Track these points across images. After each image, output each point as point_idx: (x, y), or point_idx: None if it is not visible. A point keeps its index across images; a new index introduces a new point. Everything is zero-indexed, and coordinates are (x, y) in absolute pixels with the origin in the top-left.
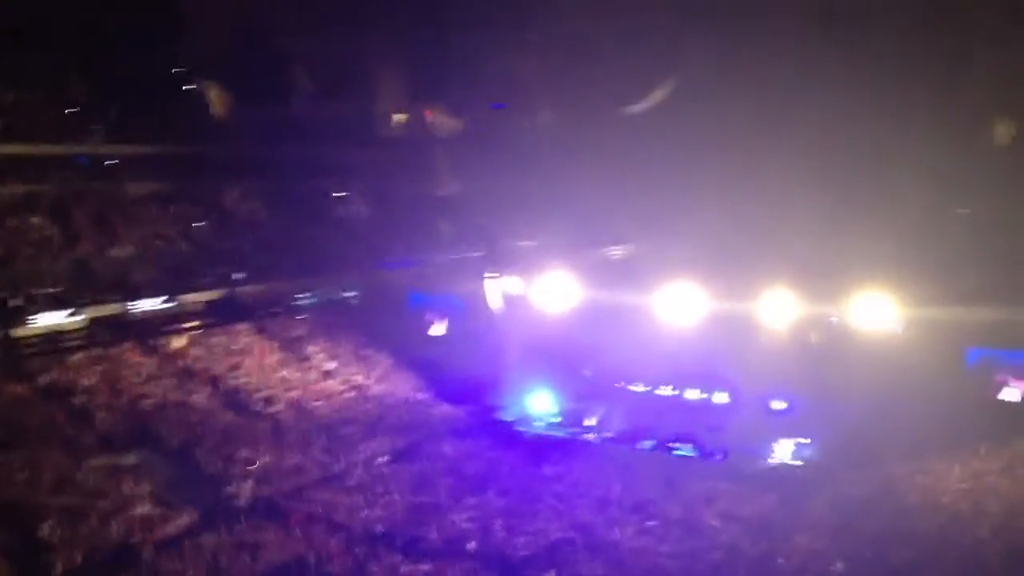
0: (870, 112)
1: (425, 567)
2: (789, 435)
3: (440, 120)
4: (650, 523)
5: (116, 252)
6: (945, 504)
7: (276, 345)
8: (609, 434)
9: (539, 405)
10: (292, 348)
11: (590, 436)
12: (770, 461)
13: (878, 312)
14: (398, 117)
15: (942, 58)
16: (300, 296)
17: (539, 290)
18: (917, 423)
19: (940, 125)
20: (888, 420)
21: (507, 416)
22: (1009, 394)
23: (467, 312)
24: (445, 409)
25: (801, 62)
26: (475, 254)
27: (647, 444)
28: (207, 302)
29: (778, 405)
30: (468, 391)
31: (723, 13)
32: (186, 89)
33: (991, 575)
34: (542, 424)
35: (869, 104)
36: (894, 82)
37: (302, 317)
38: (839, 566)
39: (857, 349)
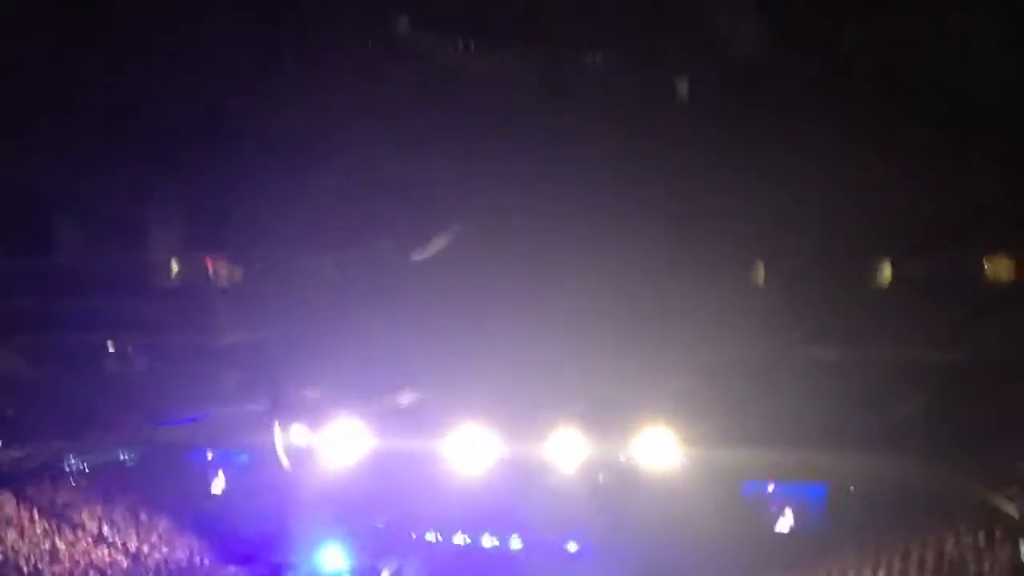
0: (647, 250)
1: None
2: None
3: (221, 267)
4: None
5: None
6: None
7: (44, 515)
8: None
9: (330, 561)
10: (61, 516)
11: None
12: None
13: (662, 449)
14: (176, 265)
15: (710, 199)
16: (70, 459)
17: (326, 440)
18: (703, 560)
19: (707, 265)
20: (676, 559)
21: (293, 571)
22: (781, 525)
23: (252, 467)
24: (230, 572)
25: (579, 197)
26: (259, 406)
27: None
28: None
29: (571, 547)
30: (254, 550)
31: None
32: None
33: None
34: None
35: (645, 241)
36: (662, 229)
37: (73, 482)
38: None
39: (643, 488)
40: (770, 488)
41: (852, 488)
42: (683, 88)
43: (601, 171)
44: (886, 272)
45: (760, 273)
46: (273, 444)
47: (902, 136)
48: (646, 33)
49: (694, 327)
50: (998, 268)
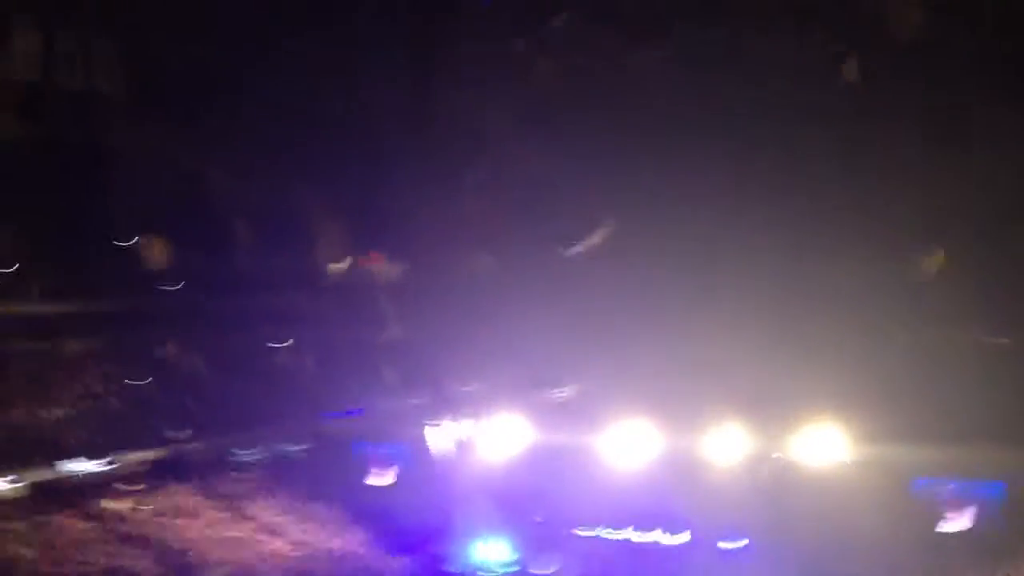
0: (808, 241)
1: None
2: None
3: (381, 266)
4: None
5: (52, 414)
6: None
7: (221, 505)
8: None
9: (490, 554)
10: (238, 507)
11: None
12: None
13: (827, 445)
14: (339, 264)
15: (880, 185)
16: (243, 451)
17: (485, 435)
18: (870, 561)
19: (876, 253)
20: (841, 558)
21: (459, 567)
22: (955, 525)
23: (414, 460)
24: (394, 563)
25: (735, 192)
26: (419, 400)
27: None
28: (147, 462)
29: (733, 545)
30: (418, 542)
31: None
32: (121, 243)
33: None
34: (494, 574)
35: (807, 233)
36: (831, 209)
37: (247, 473)
38: None
39: (806, 485)
40: (944, 487)
41: None
42: (851, 72)
43: (762, 162)
44: None
45: (932, 260)
46: (434, 438)
47: None
48: (801, 23)
49: (862, 318)
50: None
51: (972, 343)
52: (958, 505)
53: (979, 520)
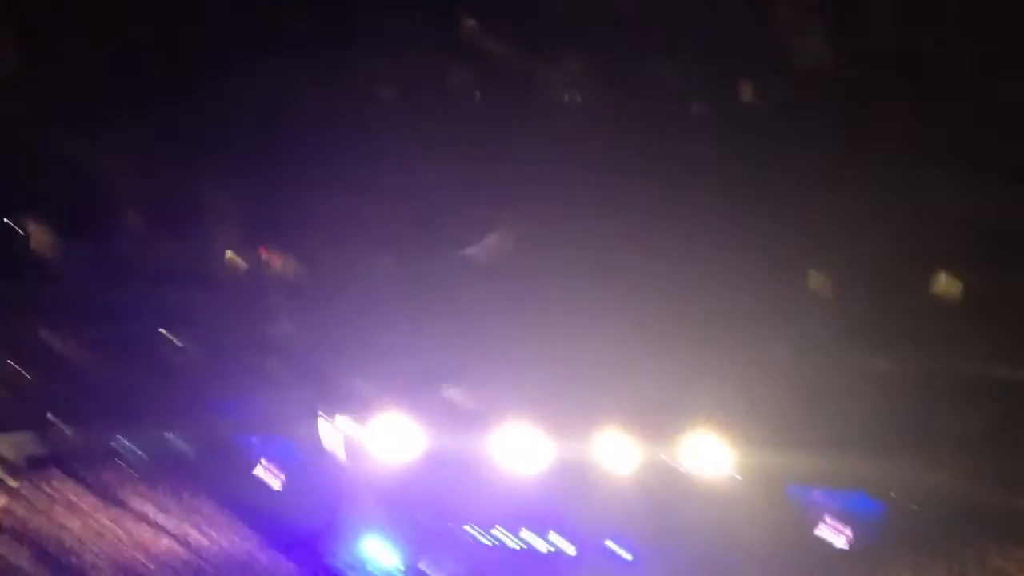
0: (701, 253)
1: None
2: None
3: (274, 259)
4: None
5: None
6: None
7: (104, 499)
8: None
9: (380, 554)
10: (121, 501)
11: None
12: None
13: (711, 454)
14: (231, 255)
15: (765, 203)
16: (128, 444)
17: (375, 433)
18: (754, 569)
19: (766, 270)
20: (727, 567)
21: (346, 567)
22: (837, 538)
23: (303, 457)
24: (277, 560)
25: (632, 198)
26: (308, 395)
27: None
28: (25, 452)
29: (623, 553)
30: (301, 539)
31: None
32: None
33: None
34: (378, 574)
35: (699, 245)
36: (719, 226)
37: (131, 467)
38: None
39: (692, 493)
40: (823, 497)
41: (914, 506)
42: (747, 95)
43: (661, 171)
44: (953, 285)
45: (821, 280)
46: (325, 434)
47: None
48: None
49: (749, 331)
50: None
51: (856, 364)
52: (836, 514)
53: (856, 529)
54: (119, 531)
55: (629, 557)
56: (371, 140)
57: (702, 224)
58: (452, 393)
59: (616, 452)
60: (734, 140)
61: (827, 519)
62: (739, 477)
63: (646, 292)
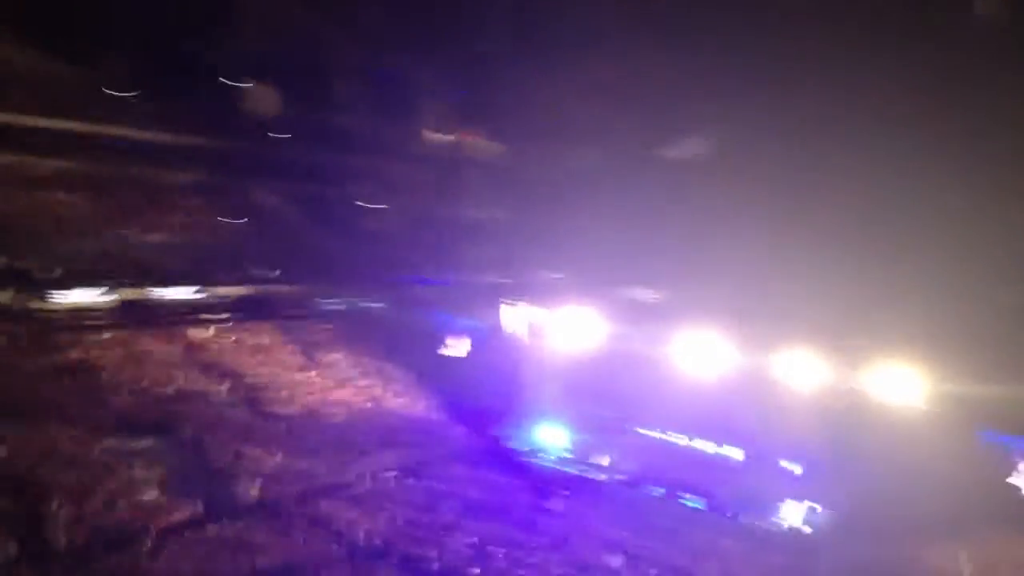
0: (908, 174)
1: None
2: (800, 499)
3: (480, 144)
4: (652, 571)
5: (150, 238)
6: None
7: (298, 347)
8: (619, 476)
9: (551, 439)
10: (313, 352)
11: (600, 475)
12: (779, 523)
13: (901, 384)
14: (439, 136)
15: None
16: (326, 301)
17: (560, 323)
18: (928, 502)
19: (980, 201)
20: (900, 496)
21: (518, 445)
22: (1020, 481)
23: (487, 337)
24: (458, 431)
25: (838, 122)
26: (501, 280)
27: (657, 491)
28: (236, 297)
29: (792, 467)
30: (482, 416)
31: (776, 71)
32: (234, 85)
33: None
34: (552, 457)
35: (907, 165)
36: (932, 148)
37: (326, 322)
38: None
39: (876, 420)
40: (1015, 441)
41: None
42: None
43: (871, 88)
44: None
45: None
46: (511, 319)
47: None
48: None
49: (957, 264)
50: None
51: None
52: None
53: None
54: (306, 378)
55: (799, 471)
56: (581, 37)
57: (922, 145)
58: (640, 293)
59: (801, 370)
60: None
61: (1014, 462)
62: (928, 410)
63: (856, 212)
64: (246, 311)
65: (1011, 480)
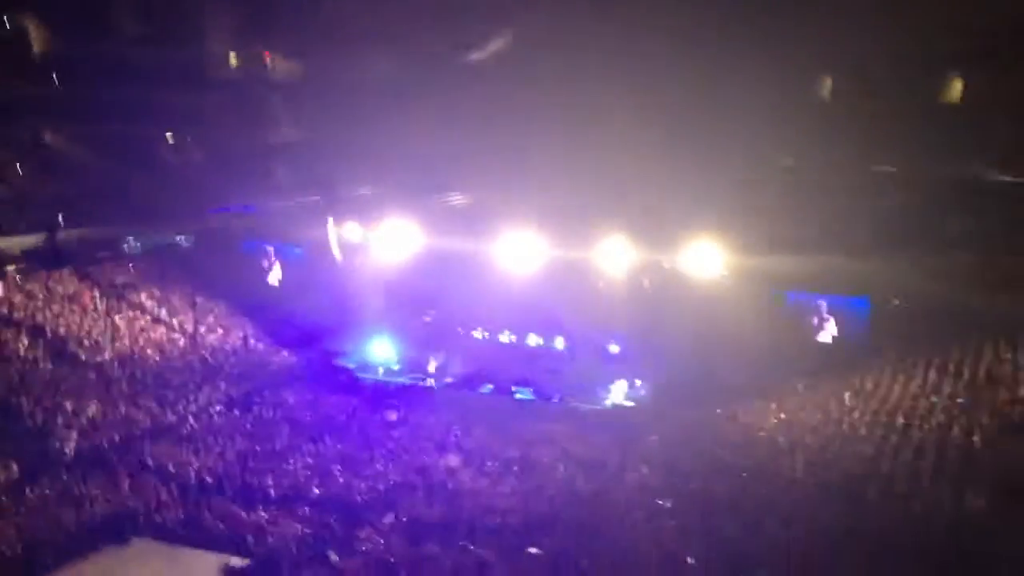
0: (701, 63)
1: (262, 515)
2: (623, 378)
3: (278, 63)
4: (488, 464)
5: None
6: (764, 439)
7: (101, 292)
8: (449, 379)
9: (379, 352)
10: (119, 295)
11: (430, 382)
12: (605, 402)
13: (706, 259)
14: (233, 59)
15: (770, 10)
16: (128, 241)
17: (379, 237)
18: (740, 364)
19: (769, 79)
20: (714, 362)
21: (347, 363)
22: (823, 335)
23: (305, 259)
24: (283, 357)
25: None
26: (313, 200)
27: (487, 388)
28: (26, 248)
29: (613, 348)
30: (307, 338)
31: None
32: (4, 25)
33: (806, 503)
34: (382, 371)
35: (700, 55)
36: (725, 34)
37: (130, 263)
38: (667, 499)
39: (686, 294)
40: (814, 299)
41: (896, 302)
42: None
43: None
44: (952, 88)
45: (823, 85)
46: (327, 238)
47: None
48: None
49: (747, 138)
50: None
51: (854, 168)
52: (826, 316)
53: (844, 330)
54: (117, 322)
55: (616, 350)
56: None
57: (709, 33)
58: (454, 199)
59: (611, 257)
60: None
61: (813, 318)
62: (730, 279)
63: (651, 102)
64: (40, 261)
65: (819, 337)
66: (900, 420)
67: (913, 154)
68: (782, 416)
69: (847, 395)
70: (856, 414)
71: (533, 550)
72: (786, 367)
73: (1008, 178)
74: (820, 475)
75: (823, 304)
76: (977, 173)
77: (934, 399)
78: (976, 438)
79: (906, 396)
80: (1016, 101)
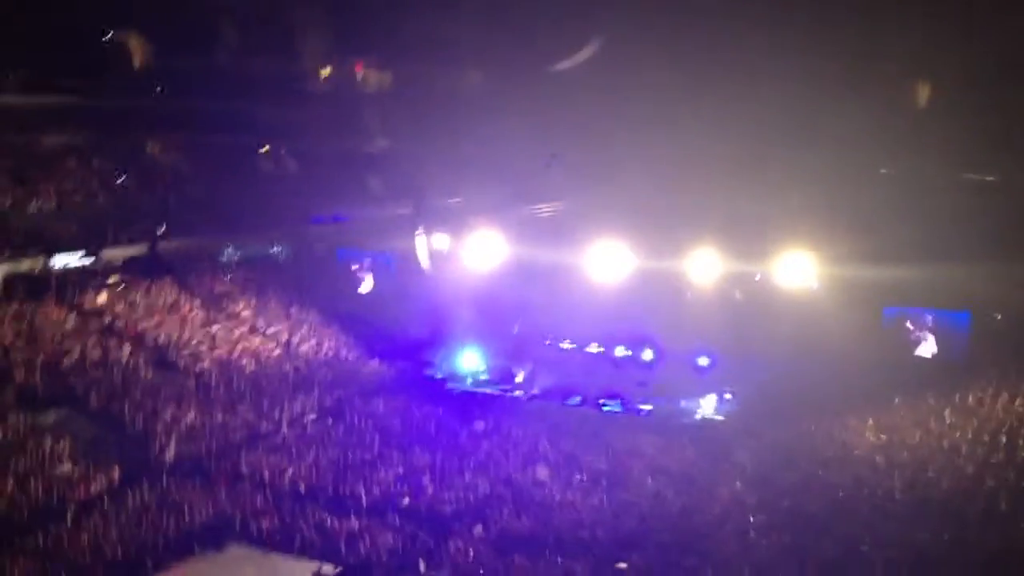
0: (793, 73)
1: (353, 524)
2: (713, 390)
3: (369, 75)
4: (577, 477)
5: (34, 206)
6: (860, 457)
7: (200, 301)
8: (537, 391)
9: (468, 362)
10: (217, 305)
11: (518, 393)
12: (694, 416)
13: (799, 270)
14: (326, 72)
15: (864, 19)
16: (225, 252)
17: (467, 248)
18: (836, 379)
19: (861, 86)
20: (808, 376)
21: (436, 373)
22: (923, 350)
23: (395, 269)
24: (373, 366)
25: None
26: (403, 211)
27: (575, 400)
28: (129, 257)
29: (702, 361)
30: (397, 348)
31: None
32: (108, 39)
33: (902, 524)
34: (471, 381)
35: (791, 66)
36: (816, 43)
37: (228, 273)
38: (759, 517)
39: (779, 306)
40: (913, 314)
41: (997, 316)
42: None
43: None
44: None
45: (920, 96)
46: (416, 249)
47: None
48: None
49: (845, 148)
50: None
51: (951, 179)
52: (925, 331)
53: (945, 346)
54: (213, 331)
55: (706, 362)
56: None
57: (806, 41)
58: (541, 209)
59: (703, 268)
60: None
61: (912, 333)
62: (827, 292)
63: (746, 113)
64: (141, 271)
65: (918, 352)
66: (1003, 438)
67: (1016, 164)
68: (880, 434)
69: (947, 412)
70: (957, 432)
71: (622, 565)
72: (883, 383)
73: None
74: (919, 495)
75: (926, 318)
76: None
77: None
78: None
79: (1009, 414)
80: None
